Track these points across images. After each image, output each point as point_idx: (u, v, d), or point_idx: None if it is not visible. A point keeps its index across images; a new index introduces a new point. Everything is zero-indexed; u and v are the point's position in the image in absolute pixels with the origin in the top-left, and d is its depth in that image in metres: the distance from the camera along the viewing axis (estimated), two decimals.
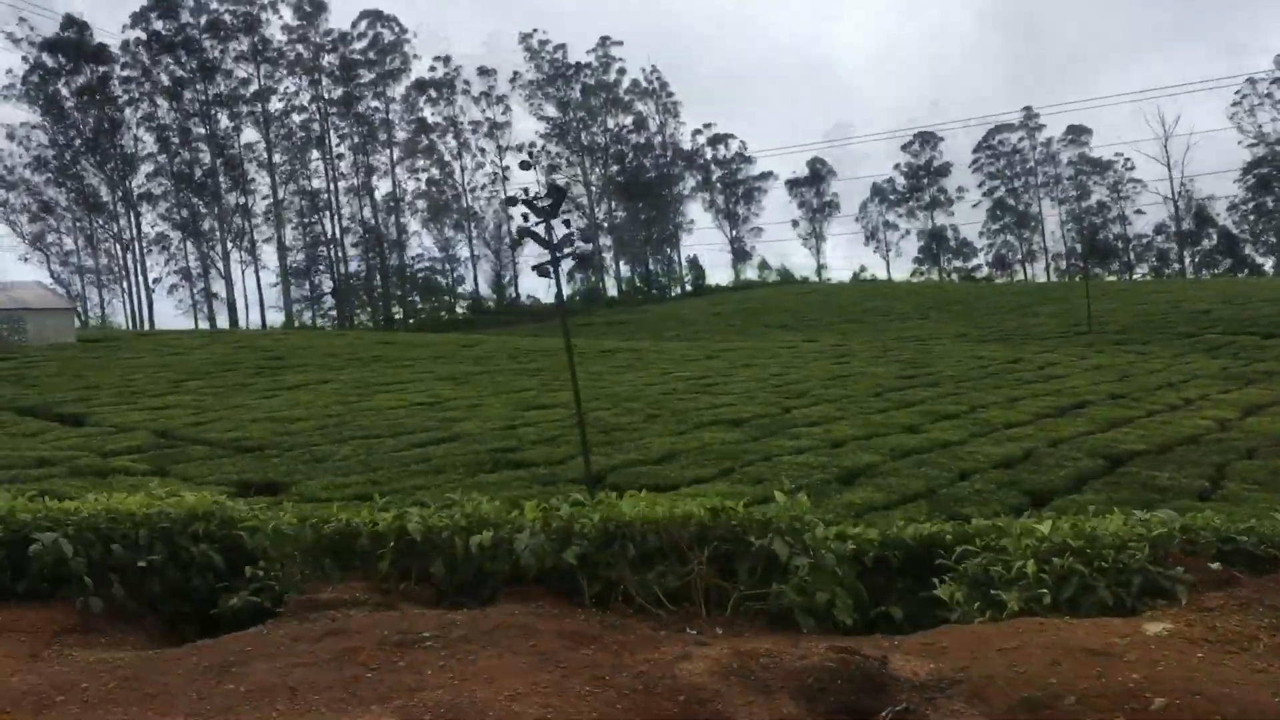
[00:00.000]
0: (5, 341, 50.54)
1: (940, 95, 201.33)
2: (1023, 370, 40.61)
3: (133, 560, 7.54)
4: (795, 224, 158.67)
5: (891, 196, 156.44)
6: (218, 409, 33.84)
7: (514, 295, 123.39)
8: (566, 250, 22.18)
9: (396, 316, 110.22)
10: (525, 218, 19.06)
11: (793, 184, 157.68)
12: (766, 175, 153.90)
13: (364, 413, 31.95)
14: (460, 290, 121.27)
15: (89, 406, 34.86)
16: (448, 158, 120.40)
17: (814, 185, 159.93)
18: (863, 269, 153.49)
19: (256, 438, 28.17)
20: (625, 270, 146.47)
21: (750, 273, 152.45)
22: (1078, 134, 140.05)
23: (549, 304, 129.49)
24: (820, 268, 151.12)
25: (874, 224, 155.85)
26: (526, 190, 18.83)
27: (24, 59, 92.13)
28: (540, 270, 25.34)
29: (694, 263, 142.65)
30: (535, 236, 22.69)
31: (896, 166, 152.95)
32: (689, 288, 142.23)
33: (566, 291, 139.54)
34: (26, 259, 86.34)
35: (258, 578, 7.68)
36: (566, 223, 22.66)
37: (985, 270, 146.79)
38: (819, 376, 38.06)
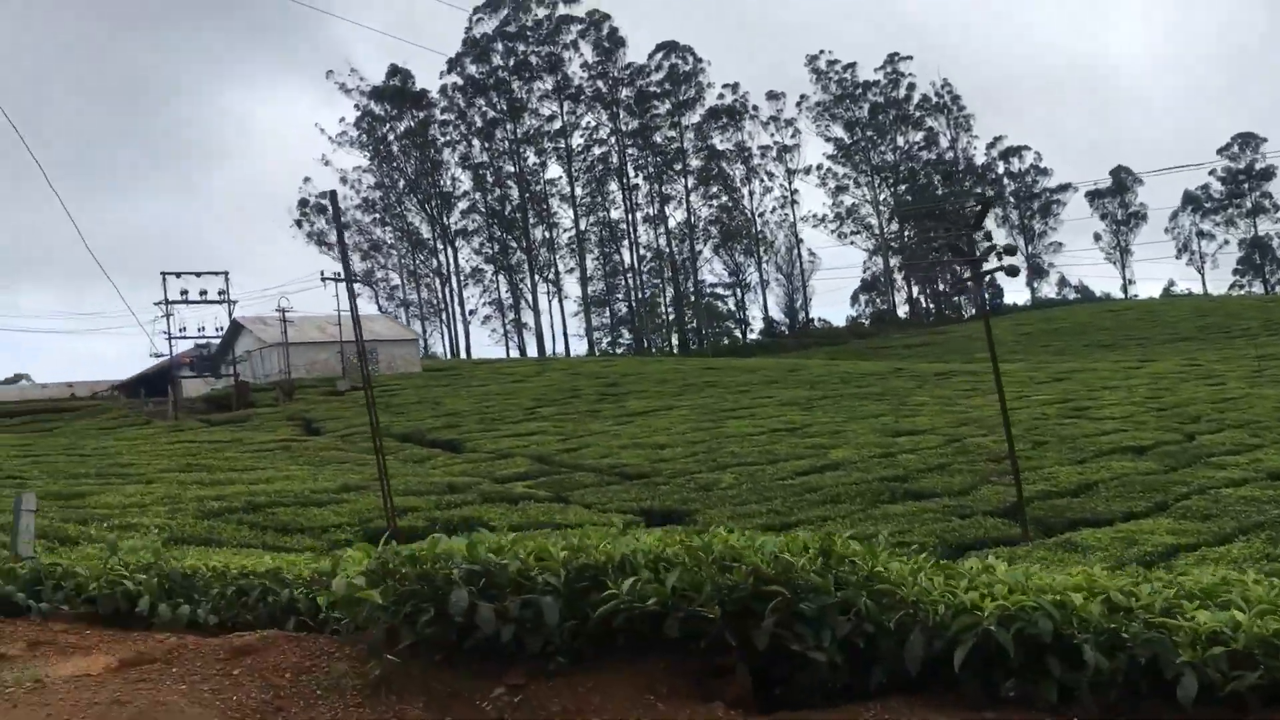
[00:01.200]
0: (346, 371, 54.10)
1: (1243, 94, 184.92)
2: None
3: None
4: (1098, 238, 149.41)
5: (1207, 204, 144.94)
6: (580, 435, 34.59)
7: (806, 319, 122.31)
8: (997, 265, 21.12)
9: (691, 345, 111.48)
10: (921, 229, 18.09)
11: (1094, 195, 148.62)
12: (1064, 188, 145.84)
13: (726, 439, 31.76)
14: (742, 314, 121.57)
15: (460, 433, 36.46)
16: (737, 183, 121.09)
17: (1117, 195, 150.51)
18: (1172, 283, 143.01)
19: (634, 464, 28.45)
20: (909, 291, 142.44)
21: (1048, 290, 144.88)
22: None
23: (840, 327, 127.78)
24: (1128, 283, 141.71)
25: (1185, 235, 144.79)
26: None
27: (355, 107, 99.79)
28: (957, 286, 24.07)
29: (991, 281, 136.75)
30: (957, 249, 21.69)
31: (1212, 172, 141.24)
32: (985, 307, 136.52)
33: (851, 313, 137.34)
34: (358, 294, 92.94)
35: None
36: (988, 235, 21.67)
37: None
38: (1204, 399, 34.96)
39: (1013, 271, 20.24)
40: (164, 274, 46.84)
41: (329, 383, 50.39)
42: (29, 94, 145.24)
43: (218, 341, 57.13)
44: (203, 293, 48.33)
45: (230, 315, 50.53)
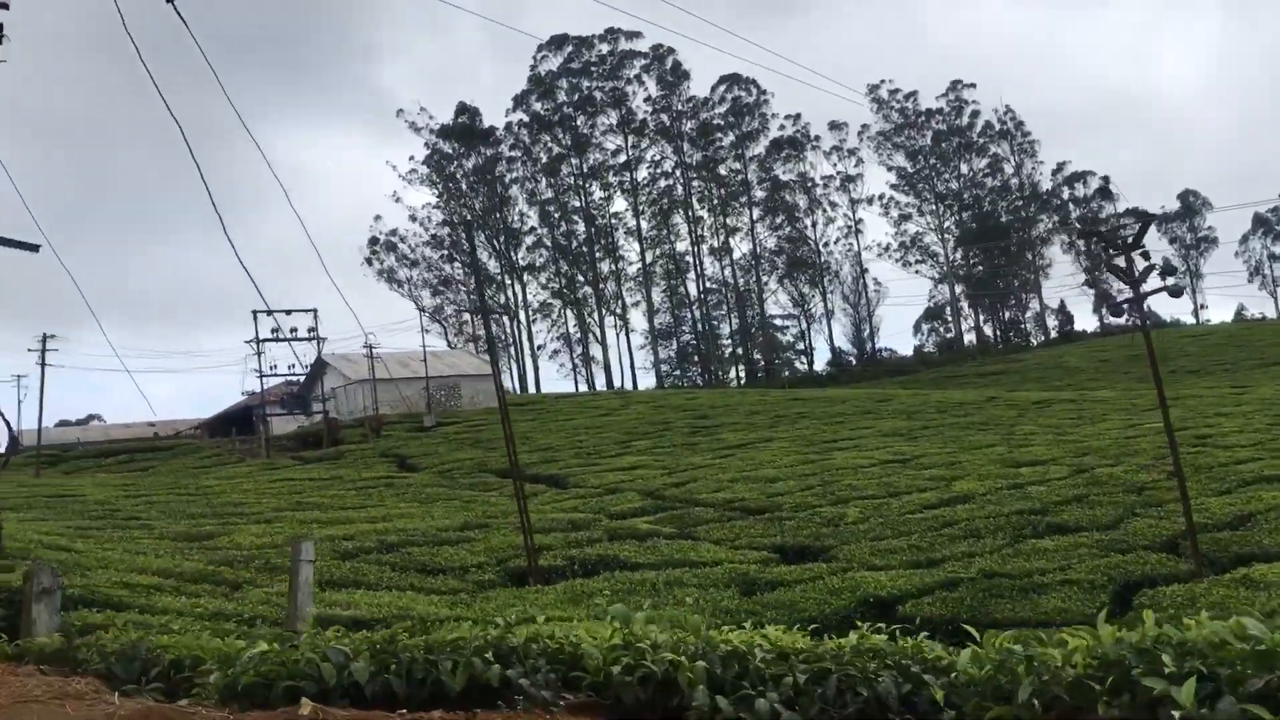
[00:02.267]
0: (444, 406, 53.94)
1: None
2: None
3: None
4: (1165, 262, 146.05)
5: (1278, 226, 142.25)
6: (684, 469, 34.00)
7: (873, 349, 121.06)
8: (1160, 285, 20.29)
9: (759, 376, 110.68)
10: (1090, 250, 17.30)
11: (1162, 220, 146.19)
12: (1131, 212, 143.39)
13: (838, 472, 30.99)
14: (808, 345, 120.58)
15: (561, 468, 36.01)
16: (800, 214, 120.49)
17: (1186, 219, 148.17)
18: (1243, 307, 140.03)
19: (750, 499, 27.79)
20: (977, 319, 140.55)
21: (1119, 316, 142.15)
22: None
23: (907, 357, 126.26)
24: (1199, 308, 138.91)
25: (1257, 258, 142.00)
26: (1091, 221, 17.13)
27: (425, 145, 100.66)
28: (1113, 309, 23.27)
29: (1062, 308, 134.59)
30: (1116, 270, 20.87)
31: None
32: (1053, 334, 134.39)
33: (914, 344, 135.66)
34: (428, 330, 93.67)
35: None
36: (1146, 254, 20.84)
37: None
38: None
39: (1175, 292, 19.37)
40: (255, 312, 47.30)
41: (415, 419, 50.30)
42: (93, 137, 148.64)
43: (301, 379, 57.41)
44: (293, 330, 48.70)
45: (319, 352, 50.90)
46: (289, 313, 47.50)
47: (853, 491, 27.74)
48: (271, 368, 49.62)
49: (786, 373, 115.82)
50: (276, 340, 47.26)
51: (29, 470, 45.63)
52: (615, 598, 17.36)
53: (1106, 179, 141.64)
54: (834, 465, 32.23)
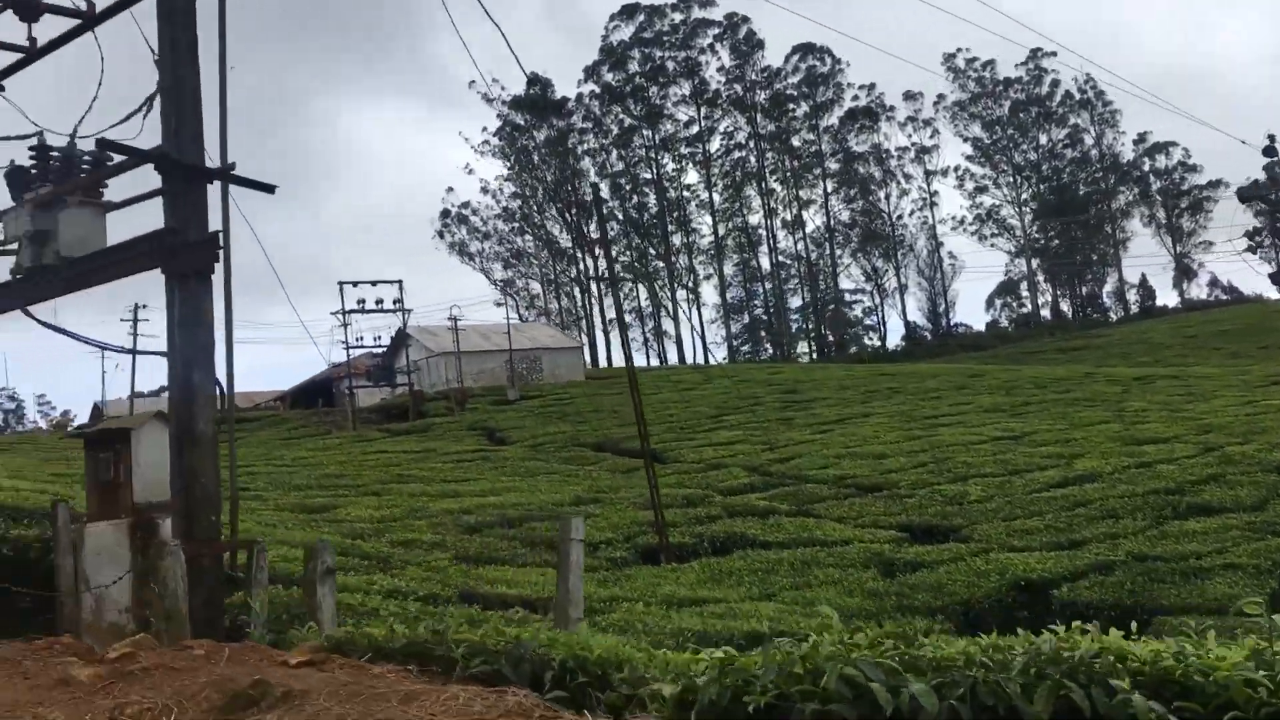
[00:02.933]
0: (525, 379, 53.58)
1: None
2: None
3: None
4: (1252, 235, 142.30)
5: None
6: (784, 444, 33.25)
7: (948, 324, 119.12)
8: None
9: (830, 352, 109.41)
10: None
11: (1245, 193, 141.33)
12: (1216, 184, 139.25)
13: (949, 449, 30.02)
14: (881, 320, 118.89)
15: (655, 442, 35.28)
16: (873, 186, 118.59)
17: (1274, 191, 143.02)
18: None
19: (861, 475, 26.97)
20: (1054, 294, 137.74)
21: (1198, 291, 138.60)
22: None
23: (981, 332, 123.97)
24: None
25: None
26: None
27: (498, 116, 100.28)
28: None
29: (1143, 283, 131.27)
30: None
31: None
32: (1133, 310, 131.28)
33: (987, 319, 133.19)
34: (500, 304, 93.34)
35: None
36: None
37: None
38: None
39: None
40: (341, 284, 47.21)
41: (497, 392, 49.98)
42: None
43: (381, 352, 57.35)
44: (378, 301, 48.57)
45: (404, 324, 50.64)
46: (374, 284, 47.48)
47: (969, 469, 26.81)
48: (358, 339, 49.57)
49: (854, 349, 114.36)
50: (363, 311, 47.23)
51: None
52: (755, 578, 16.71)
53: (1187, 150, 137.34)
54: (942, 442, 31.26)
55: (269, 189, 8.54)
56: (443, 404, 48.01)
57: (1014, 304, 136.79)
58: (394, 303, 48.54)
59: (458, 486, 26.26)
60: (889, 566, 17.86)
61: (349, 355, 49.83)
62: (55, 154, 8.88)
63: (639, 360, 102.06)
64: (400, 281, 48.31)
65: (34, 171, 8.86)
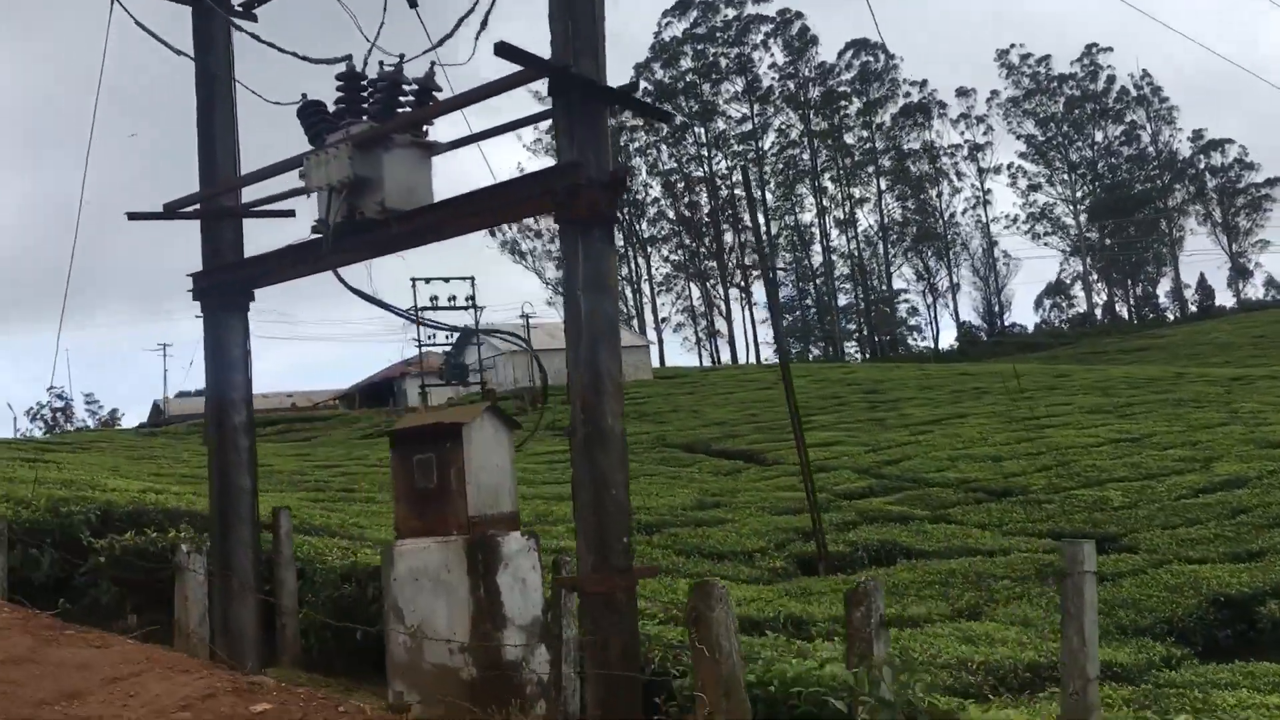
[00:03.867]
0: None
1: None
2: None
3: None
4: None
5: None
6: (886, 446, 32.05)
7: (1002, 324, 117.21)
8: None
9: (886, 352, 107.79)
10: None
11: None
12: (1274, 181, 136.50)
13: (1068, 451, 28.68)
14: (934, 319, 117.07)
15: (749, 443, 34.30)
16: (925, 184, 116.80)
17: None
18: None
19: (982, 479, 25.70)
20: (1110, 294, 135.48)
21: (1253, 292, 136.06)
22: None
23: (1034, 332, 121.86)
24: None
25: None
26: None
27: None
28: None
29: (1201, 282, 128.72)
30: None
31: None
32: (1191, 309, 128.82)
33: (1036, 319, 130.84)
34: (551, 303, 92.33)
35: None
36: None
37: None
38: None
39: None
40: (413, 280, 46.13)
41: (565, 391, 48.68)
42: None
43: (446, 350, 56.46)
44: (451, 299, 47.58)
45: (477, 321, 49.57)
46: (447, 280, 46.45)
47: (1100, 473, 25.50)
48: (430, 337, 48.55)
49: (899, 349, 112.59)
50: (435, 308, 46.25)
51: (190, 439, 45.35)
52: (933, 590, 15.54)
53: (1244, 148, 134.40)
54: (1058, 444, 29.91)
55: (667, 117, 7.36)
56: (514, 403, 46.97)
57: (1064, 304, 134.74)
58: (466, 299, 47.54)
59: (561, 489, 25.12)
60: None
61: (421, 353, 48.85)
62: (370, 83, 7.34)
63: (690, 360, 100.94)
64: (473, 278, 47.32)
65: (342, 106, 7.37)
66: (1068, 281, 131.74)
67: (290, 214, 8.26)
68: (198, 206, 8.52)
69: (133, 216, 8.26)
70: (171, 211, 8.23)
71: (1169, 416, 34.08)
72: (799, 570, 16.53)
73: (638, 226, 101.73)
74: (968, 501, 23.54)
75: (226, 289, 8.41)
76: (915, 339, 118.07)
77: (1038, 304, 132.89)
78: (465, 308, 46.75)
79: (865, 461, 29.33)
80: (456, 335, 53.19)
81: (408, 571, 5.52)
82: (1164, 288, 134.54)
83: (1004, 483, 25.33)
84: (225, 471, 8.21)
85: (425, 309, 48.00)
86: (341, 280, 7.36)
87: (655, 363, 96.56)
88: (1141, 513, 21.35)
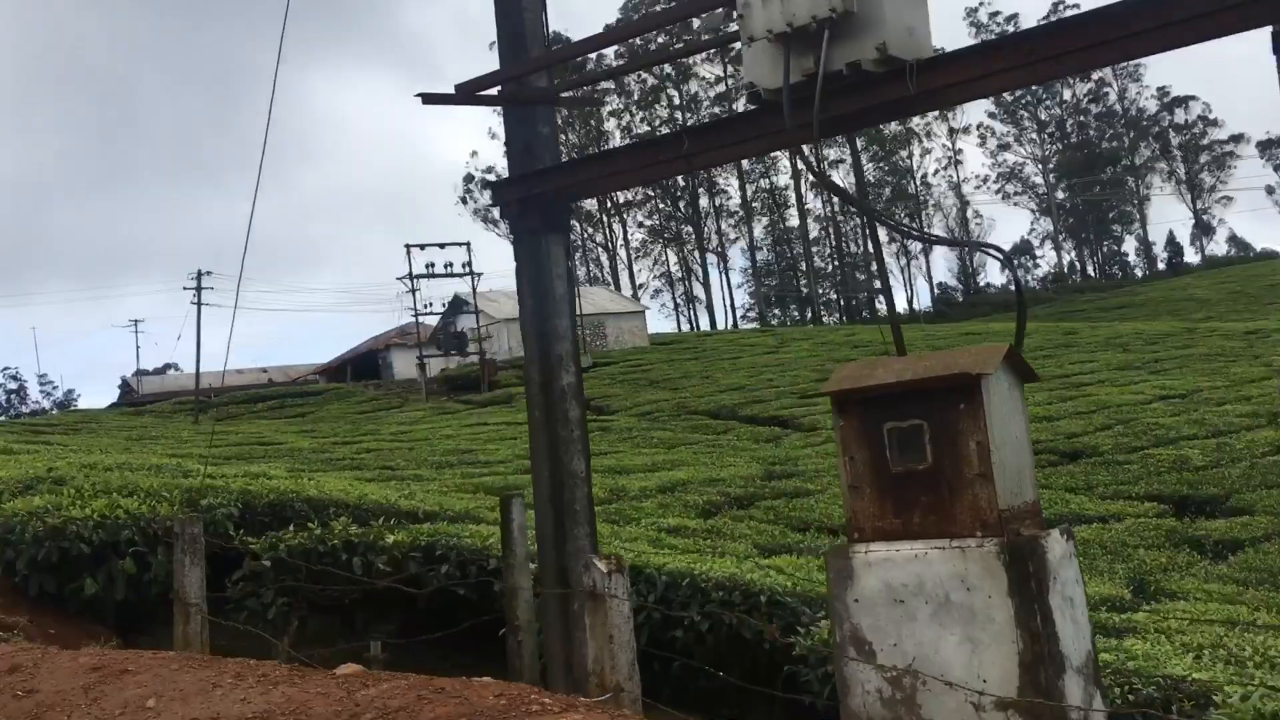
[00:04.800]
0: (588, 345, 50.99)
1: None
2: None
3: None
4: (1271, 190, 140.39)
5: None
6: None
7: (975, 285, 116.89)
8: None
9: (863, 314, 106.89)
10: None
11: (1266, 145, 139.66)
12: (1237, 138, 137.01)
13: (1120, 410, 27.70)
14: (909, 281, 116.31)
15: (779, 408, 33.01)
16: (895, 144, 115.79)
17: None
18: None
19: (1049, 441, 24.56)
20: (1080, 253, 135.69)
21: (1219, 248, 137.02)
22: None
23: (1011, 292, 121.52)
24: None
25: None
26: None
27: None
28: None
29: (1171, 239, 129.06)
30: None
31: None
32: (1160, 266, 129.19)
33: (1002, 280, 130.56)
34: (480, 275, 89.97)
35: None
36: None
37: None
38: None
39: None
40: (408, 246, 44.13)
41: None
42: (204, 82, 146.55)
43: (435, 320, 54.66)
44: (448, 265, 45.65)
45: (474, 288, 47.55)
46: (442, 246, 44.52)
47: (1165, 430, 24.53)
48: (425, 306, 46.67)
49: (866, 313, 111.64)
50: (431, 276, 44.31)
51: (177, 418, 43.25)
52: (1082, 563, 14.35)
53: (1208, 105, 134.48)
54: (1107, 402, 28.95)
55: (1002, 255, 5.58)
56: (512, 374, 45.34)
57: (1029, 264, 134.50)
58: (463, 266, 45.63)
59: (609, 461, 23.69)
60: (1198, 546, 15.49)
61: (418, 322, 46.98)
62: None
63: (668, 327, 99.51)
64: (469, 244, 45.37)
65: None
66: (1035, 242, 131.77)
67: (600, 102, 6.45)
68: (497, 90, 6.39)
69: (427, 100, 6.15)
70: (467, 94, 6.13)
71: (1204, 372, 33.21)
72: None
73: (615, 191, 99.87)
74: (1042, 465, 22.41)
75: (547, 203, 6.21)
76: (909, 299, 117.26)
77: (1006, 262, 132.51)
78: (462, 275, 45.02)
79: None
80: (446, 304, 51.36)
81: (882, 589, 3.90)
82: (1129, 245, 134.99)
83: (1068, 444, 24.30)
84: (554, 451, 6.08)
85: (421, 276, 46.39)
86: (811, 169, 5.83)
87: None
88: (1235, 472, 20.34)
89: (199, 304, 45.60)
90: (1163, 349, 39.93)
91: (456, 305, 52.93)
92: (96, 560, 7.41)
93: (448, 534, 7.63)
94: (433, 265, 45.05)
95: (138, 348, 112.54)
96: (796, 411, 32.00)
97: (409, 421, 34.89)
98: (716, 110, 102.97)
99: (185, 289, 50.81)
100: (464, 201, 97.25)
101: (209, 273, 47.45)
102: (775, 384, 38.40)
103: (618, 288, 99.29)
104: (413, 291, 44.77)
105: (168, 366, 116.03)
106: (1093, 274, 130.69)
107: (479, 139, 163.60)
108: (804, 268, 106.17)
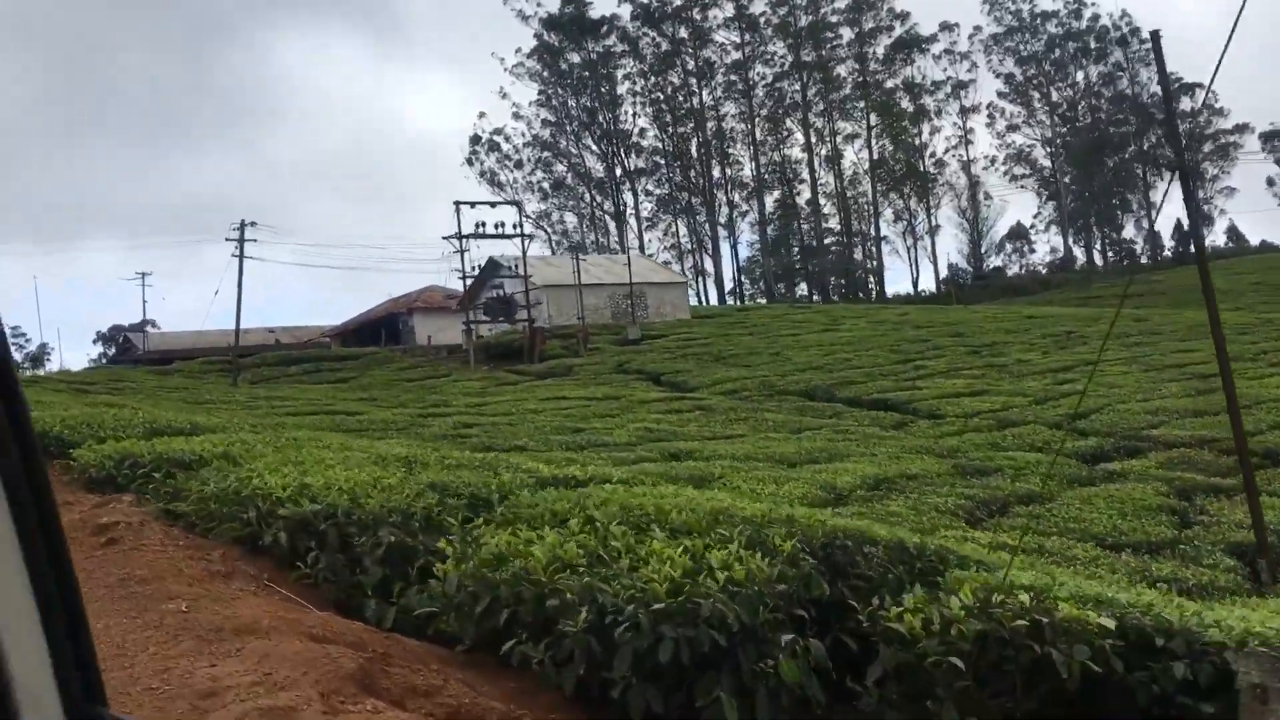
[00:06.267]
0: (629, 317, 48.42)
1: None
2: None
3: None
4: (1271, 182, 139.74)
5: None
6: (1010, 391, 28.79)
7: (983, 266, 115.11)
8: None
9: (871, 291, 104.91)
10: None
11: (1269, 137, 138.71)
12: (1242, 128, 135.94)
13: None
14: (914, 261, 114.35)
15: (872, 390, 30.63)
16: (907, 122, 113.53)
17: None
18: None
19: (1172, 434, 22.38)
20: (1089, 239, 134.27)
21: (1216, 239, 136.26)
22: None
23: (1020, 275, 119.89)
24: None
25: None
26: None
27: (535, 36, 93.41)
28: None
29: (1178, 227, 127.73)
30: None
31: None
32: (1166, 254, 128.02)
33: (997, 262, 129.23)
34: (532, 237, 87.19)
35: None
36: None
37: None
38: None
39: None
40: (457, 204, 41.18)
41: (611, 330, 44.66)
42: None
43: (470, 283, 51.77)
44: (499, 225, 42.91)
45: (524, 250, 44.68)
46: (493, 205, 41.76)
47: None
48: (475, 268, 43.86)
49: (859, 292, 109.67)
50: (480, 236, 41.49)
51: (207, 378, 40.36)
52: None
53: (1214, 94, 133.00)
54: (1261, 396, 26.81)
55: None
56: (557, 343, 42.80)
57: (1024, 248, 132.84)
58: (514, 227, 42.90)
59: (724, 447, 21.02)
60: None
61: (465, 284, 44.19)
62: None
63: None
64: (519, 203, 42.69)
65: None
66: (1041, 227, 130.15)
67: None
68: None
69: None
70: None
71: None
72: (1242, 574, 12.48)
73: (625, 159, 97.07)
74: (1258, 466, 20.19)
75: None
76: (913, 280, 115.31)
77: (999, 248, 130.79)
78: (513, 235, 42.33)
79: (1048, 415, 25.62)
80: (479, 268, 48.48)
81: None
82: (1129, 232, 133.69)
83: (1259, 441, 22.10)
84: None
85: (469, 236, 43.63)
86: None
87: None
88: None
89: (240, 256, 42.51)
90: (1250, 340, 37.91)
91: (492, 268, 49.87)
92: None
93: (1158, 610, 4.83)
94: (483, 224, 42.37)
95: (144, 301, 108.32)
96: (899, 394, 29.67)
97: (474, 392, 32.26)
98: (733, 78, 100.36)
99: (228, 240, 45.78)
100: (469, 164, 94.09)
101: (253, 223, 43.76)
102: (854, 364, 36.11)
103: (627, 256, 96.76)
104: (460, 252, 41.81)
105: (146, 322, 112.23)
106: (1098, 262, 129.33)
107: (487, 99, 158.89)
108: (813, 244, 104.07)
